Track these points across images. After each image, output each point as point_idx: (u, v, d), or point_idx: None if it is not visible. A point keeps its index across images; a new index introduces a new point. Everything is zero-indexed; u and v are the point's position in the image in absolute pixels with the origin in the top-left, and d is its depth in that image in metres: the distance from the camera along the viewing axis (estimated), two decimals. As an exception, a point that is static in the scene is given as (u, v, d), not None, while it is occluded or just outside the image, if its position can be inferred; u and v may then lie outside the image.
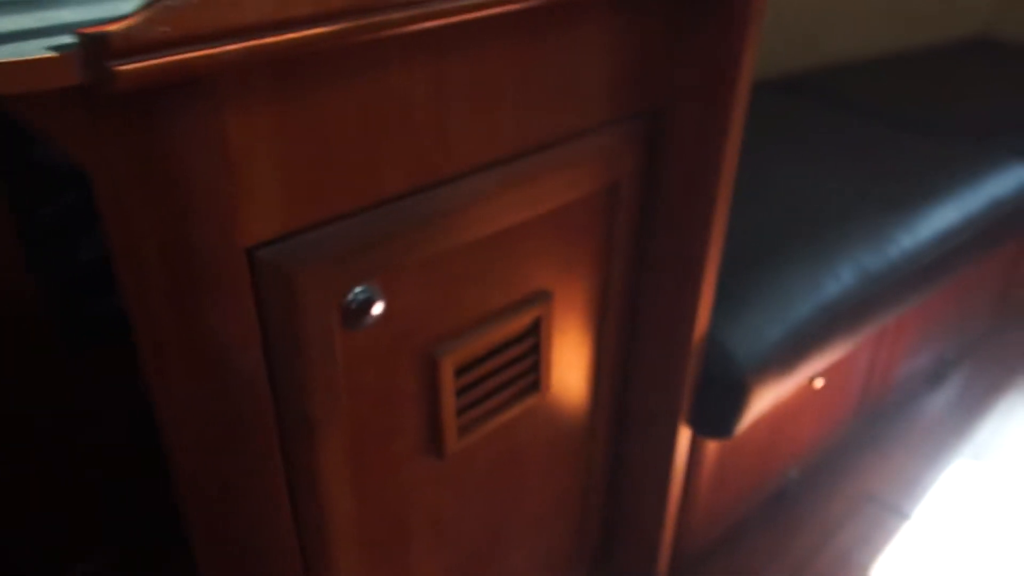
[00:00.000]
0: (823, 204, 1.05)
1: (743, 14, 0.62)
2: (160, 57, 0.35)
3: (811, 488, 1.24)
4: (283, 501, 0.56)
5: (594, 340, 0.76)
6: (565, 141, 0.63)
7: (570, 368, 0.75)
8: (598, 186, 0.67)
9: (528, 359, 0.69)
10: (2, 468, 0.80)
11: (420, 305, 0.58)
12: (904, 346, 1.26)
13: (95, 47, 0.34)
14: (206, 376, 0.49)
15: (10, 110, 0.37)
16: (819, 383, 1.04)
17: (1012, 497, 1.23)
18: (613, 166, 0.67)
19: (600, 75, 0.63)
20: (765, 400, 0.87)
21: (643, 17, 0.63)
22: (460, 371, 0.63)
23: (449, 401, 0.63)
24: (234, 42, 0.38)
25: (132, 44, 0.34)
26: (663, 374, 0.82)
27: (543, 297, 0.67)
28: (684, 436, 0.85)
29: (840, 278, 0.94)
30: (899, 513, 1.20)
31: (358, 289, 0.52)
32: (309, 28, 0.41)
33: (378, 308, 0.53)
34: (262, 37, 0.39)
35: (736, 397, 0.82)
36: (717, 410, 0.83)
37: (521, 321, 0.66)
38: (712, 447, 0.93)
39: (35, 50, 0.35)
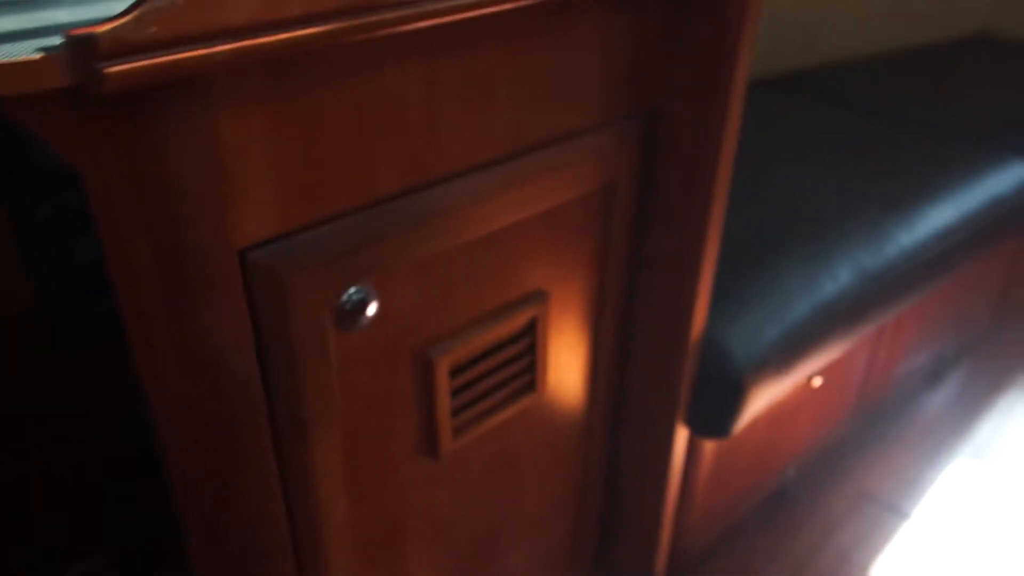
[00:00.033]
0: (821, 203, 1.05)
1: (739, 14, 0.62)
2: (149, 58, 0.35)
3: (810, 487, 1.24)
4: (278, 502, 0.56)
5: (591, 340, 0.76)
6: (560, 141, 0.63)
7: (566, 368, 0.75)
8: (594, 186, 0.67)
9: (524, 359, 0.69)
10: (2, 468, 0.80)
11: (415, 306, 0.58)
12: (903, 345, 1.26)
13: (83, 48, 0.34)
14: (200, 377, 0.49)
15: (2, 111, 0.37)
16: (817, 382, 1.04)
17: (1012, 496, 1.23)
18: (609, 166, 0.67)
19: (595, 75, 0.62)
20: (763, 400, 0.86)
21: (639, 17, 0.63)
22: (455, 372, 0.63)
23: (444, 402, 0.63)
24: (224, 43, 0.38)
25: (120, 45, 0.34)
26: (660, 374, 0.81)
27: (539, 297, 0.67)
28: (681, 436, 0.85)
29: (838, 277, 0.93)
30: (898, 512, 1.20)
31: (352, 290, 0.52)
32: (301, 28, 0.41)
33: (372, 309, 0.53)
34: (253, 38, 0.39)
35: (733, 397, 0.82)
36: (714, 410, 0.83)
37: (517, 321, 0.66)
38: (710, 446, 0.93)
39: (25, 51, 0.35)
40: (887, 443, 1.33)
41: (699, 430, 0.85)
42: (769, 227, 0.99)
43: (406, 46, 0.49)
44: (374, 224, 0.52)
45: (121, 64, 0.35)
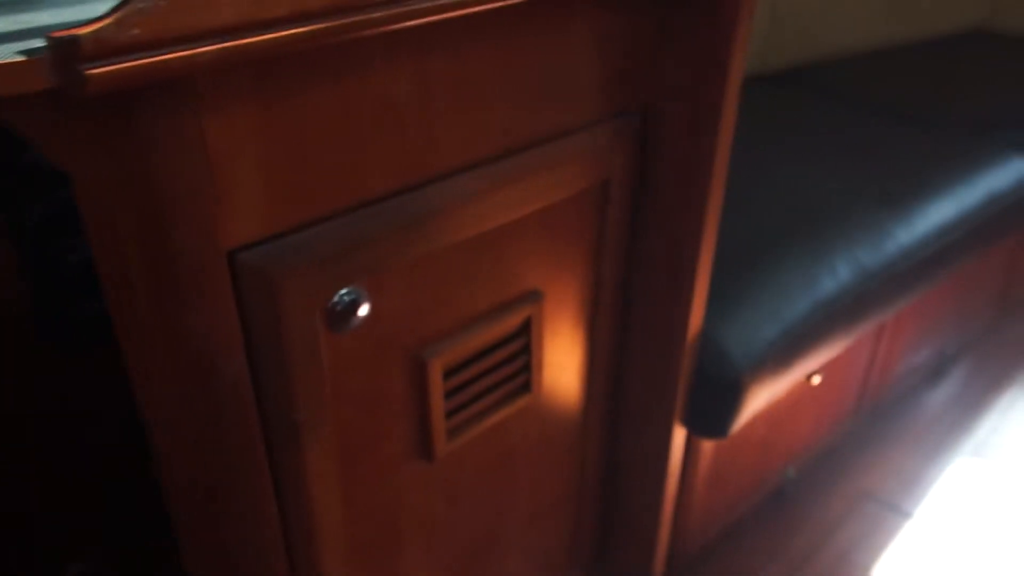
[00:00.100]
0: (819, 200, 1.05)
1: (733, 12, 0.62)
2: (132, 60, 0.35)
3: (810, 486, 1.23)
4: (270, 504, 0.56)
5: (586, 340, 0.76)
6: (554, 139, 0.62)
7: (562, 369, 0.75)
8: (588, 184, 0.66)
9: (519, 360, 0.69)
10: (2, 468, 0.80)
11: (407, 307, 0.58)
12: (903, 342, 1.25)
13: (66, 50, 0.34)
14: (190, 379, 0.49)
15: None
16: (817, 380, 1.04)
17: (1013, 494, 1.23)
18: (603, 164, 0.66)
19: (589, 73, 0.62)
20: (761, 399, 0.86)
21: (633, 15, 0.63)
22: (449, 373, 0.63)
23: (438, 403, 0.62)
24: (208, 43, 0.37)
25: (103, 47, 0.34)
26: (657, 374, 0.81)
27: (534, 297, 0.67)
28: (679, 436, 0.85)
29: (837, 274, 0.93)
30: (899, 511, 1.20)
31: (343, 291, 0.52)
32: (287, 28, 0.40)
33: (364, 310, 0.53)
34: (238, 38, 0.38)
35: (731, 396, 0.82)
36: (712, 410, 0.83)
37: (511, 321, 0.66)
38: (708, 446, 0.93)
39: (7, 54, 0.34)
40: (887, 442, 1.33)
41: (697, 430, 0.85)
42: (766, 224, 0.98)
43: (396, 45, 0.49)
44: (365, 225, 0.52)
45: (104, 66, 0.34)
